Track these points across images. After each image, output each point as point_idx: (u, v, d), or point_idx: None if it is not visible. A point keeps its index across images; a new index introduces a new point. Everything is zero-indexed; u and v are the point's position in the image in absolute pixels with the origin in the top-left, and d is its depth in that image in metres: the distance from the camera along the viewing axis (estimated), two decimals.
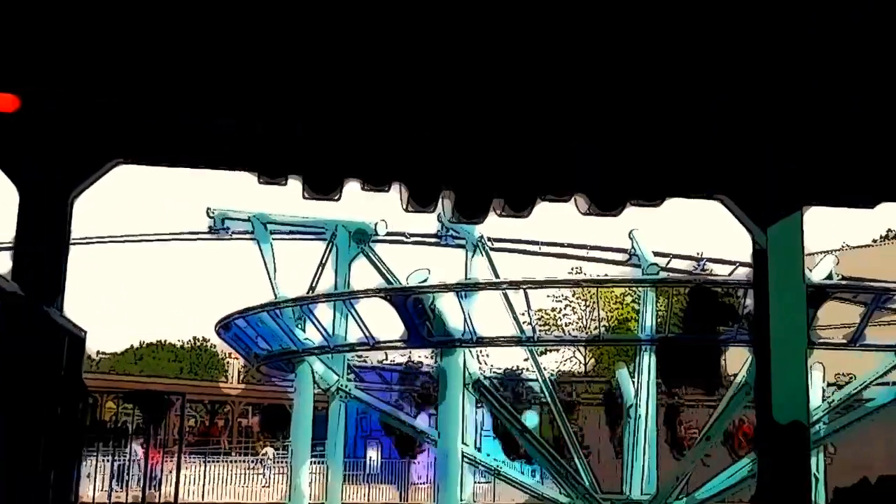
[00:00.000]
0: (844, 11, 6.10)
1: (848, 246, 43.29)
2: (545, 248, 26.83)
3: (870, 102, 6.73)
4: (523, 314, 18.85)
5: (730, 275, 23.86)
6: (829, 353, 18.82)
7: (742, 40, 6.16)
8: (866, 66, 6.53)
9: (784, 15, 6.16)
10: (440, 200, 7.35)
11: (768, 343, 7.06)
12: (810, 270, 19.38)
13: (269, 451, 38.26)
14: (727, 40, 6.15)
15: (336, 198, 7.11)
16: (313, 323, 20.15)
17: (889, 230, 50.91)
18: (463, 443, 18.26)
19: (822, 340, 17.66)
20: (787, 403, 6.95)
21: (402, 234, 25.39)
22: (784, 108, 6.62)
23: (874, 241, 48.04)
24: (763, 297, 7.18)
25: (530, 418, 28.99)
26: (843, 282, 20.29)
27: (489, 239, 24.11)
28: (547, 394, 23.19)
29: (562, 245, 27.19)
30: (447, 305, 17.70)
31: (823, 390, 23.33)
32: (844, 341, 17.88)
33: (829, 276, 20.59)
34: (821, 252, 23.39)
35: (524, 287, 18.02)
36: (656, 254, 24.77)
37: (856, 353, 18.29)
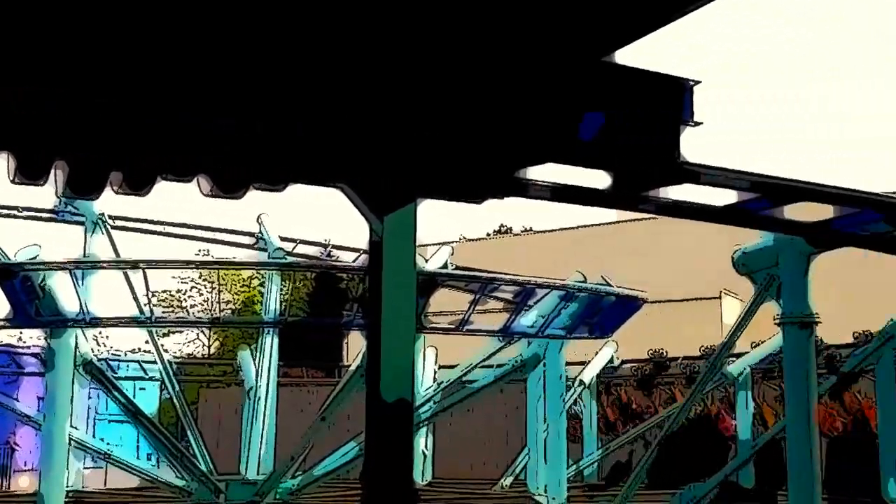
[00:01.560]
0: (467, 15, 6.50)
1: (465, 238, 46.19)
2: (171, 229, 26.12)
3: (480, 102, 7.16)
4: (147, 295, 18.33)
5: (354, 261, 24.55)
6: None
7: (360, 33, 6.36)
8: (478, 67, 6.97)
9: (409, 13, 6.45)
10: (52, 173, 6.91)
11: (379, 328, 7.31)
12: (426, 260, 20.48)
13: None
14: (344, 29, 6.32)
15: None
16: None
17: (502, 225, 54.89)
18: (72, 426, 17.43)
19: (432, 325, 18.73)
20: (394, 384, 7.18)
21: (15, 208, 23.71)
22: (401, 101, 6.86)
23: (488, 234, 51.58)
24: (377, 284, 7.40)
25: (148, 402, 28.23)
26: (454, 271, 21.56)
27: (110, 217, 23.11)
28: (166, 377, 22.68)
29: (188, 226, 26.59)
30: (60, 284, 16.79)
31: (435, 372, 24.80)
32: (452, 326, 19.07)
33: (445, 266, 21.83)
34: (438, 243, 24.71)
35: (143, 267, 17.46)
36: (284, 238, 25.01)
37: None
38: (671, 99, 7.74)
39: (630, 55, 7.35)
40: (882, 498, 17.74)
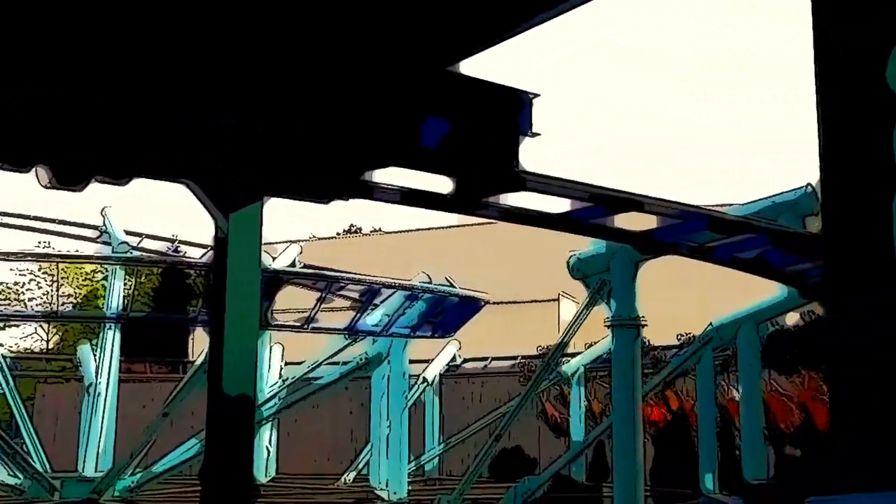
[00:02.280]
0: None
1: (315, 237, 46.18)
2: (8, 220, 25.17)
3: (328, 105, 7.35)
4: None
5: (201, 258, 24.33)
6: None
7: (209, 33, 6.48)
8: (326, 71, 7.18)
9: (259, 16, 6.61)
10: None
11: (223, 324, 7.40)
12: (273, 258, 20.51)
13: None
14: (192, 28, 6.42)
15: None
16: None
17: (351, 225, 55.05)
18: None
19: (277, 323, 18.81)
20: (235, 381, 7.24)
21: None
22: (249, 100, 6.95)
23: (338, 234, 51.67)
24: (221, 281, 7.47)
25: None
26: (300, 269, 21.63)
27: None
28: None
29: (27, 217, 25.68)
30: None
31: (281, 368, 24.78)
32: (299, 324, 19.20)
33: (293, 264, 21.88)
34: (288, 241, 24.72)
35: None
36: (129, 233, 24.56)
37: None
38: (511, 110, 8.05)
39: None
40: (701, 491, 18.78)
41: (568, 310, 32.76)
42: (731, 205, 17.28)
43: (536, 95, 8.18)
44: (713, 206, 14.32)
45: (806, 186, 13.58)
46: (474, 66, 7.73)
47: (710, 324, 18.02)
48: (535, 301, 35.45)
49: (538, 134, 8.18)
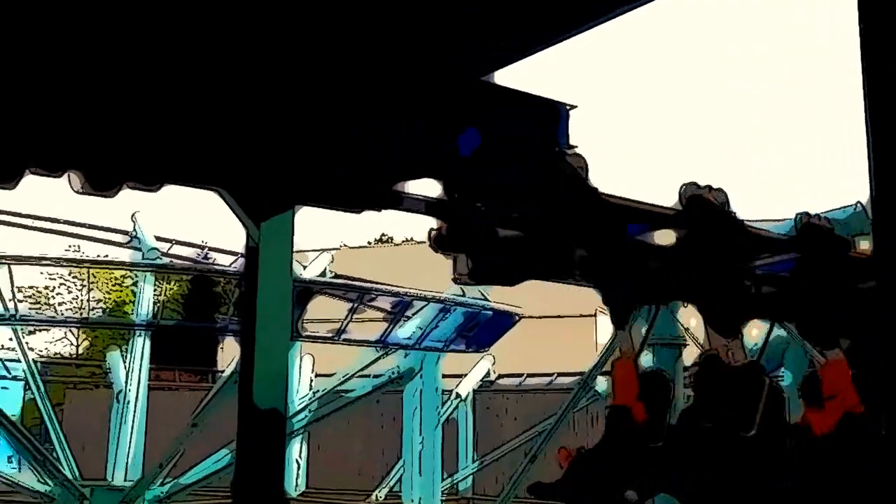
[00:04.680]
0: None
1: (346, 246, 46.13)
2: (39, 223, 25.15)
3: (362, 114, 7.19)
4: (12, 291, 17.81)
5: (231, 265, 24.26)
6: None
7: (245, 37, 6.34)
8: (361, 80, 7.02)
9: (295, 21, 6.45)
10: None
11: (253, 334, 7.25)
12: (304, 267, 20.38)
13: None
14: (228, 32, 6.29)
15: None
16: None
17: (383, 234, 54.96)
18: None
19: (307, 333, 18.62)
20: (267, 392, 7.10)
21: None
22: (283, 107, 6.85)
23: (369, 243, 51.59)
24: (252, 290, 7.34)
25: (11, 402, 27.27)
26: (331, 279, 21.46)
27: None
28: (30, 376, 21.96)
29: (58, 221, 25.63)
30: None
31: (312, 380, 24.65)
32: (330, 335, 19.00)
33: (323, 274, 21.73)
34: (319, 250, 24.60)
35: (8, 263, 16.90)
36: (159, 238, 24.51)
37: None
38: (547, 122, 7.87)
39: None
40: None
41: (605, 326, 32.23)
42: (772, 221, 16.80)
43: (574, 107, 7.97)
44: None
45: (855, 205, 13.28)
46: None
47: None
48: (572, 316, 34.97)
49: (575, 147, 7.96)
